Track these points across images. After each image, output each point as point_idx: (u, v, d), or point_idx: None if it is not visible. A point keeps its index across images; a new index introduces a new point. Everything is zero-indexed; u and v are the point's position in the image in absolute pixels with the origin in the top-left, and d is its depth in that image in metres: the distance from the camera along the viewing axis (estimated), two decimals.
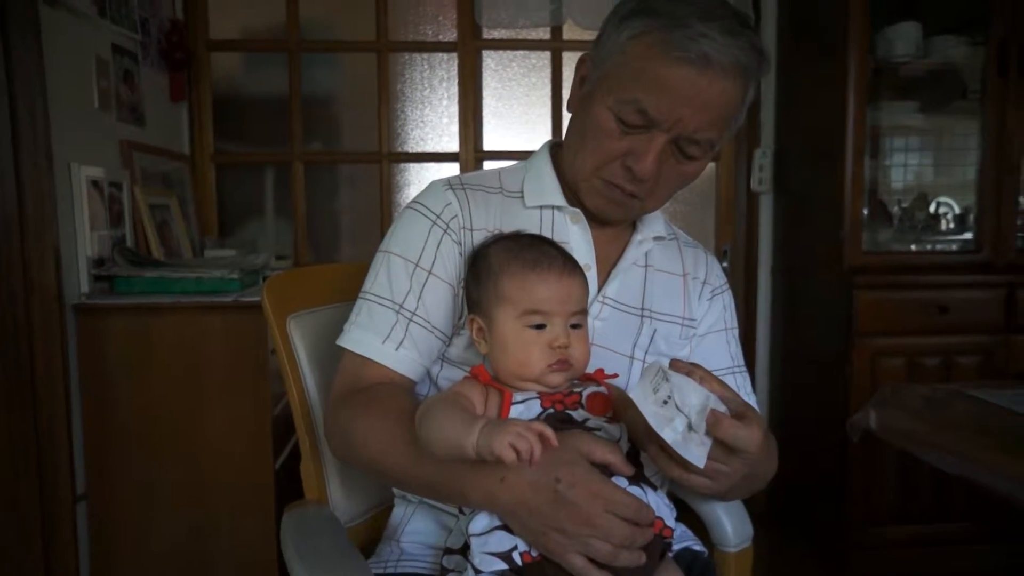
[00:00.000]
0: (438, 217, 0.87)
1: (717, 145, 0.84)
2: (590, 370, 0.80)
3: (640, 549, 0.68)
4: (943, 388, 1.22)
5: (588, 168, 0.85)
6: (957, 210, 2.28)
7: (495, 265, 0.79)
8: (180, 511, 1.58)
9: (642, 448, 0.73)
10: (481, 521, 0.71)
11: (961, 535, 2.05)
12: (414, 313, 0.85)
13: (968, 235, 2.17)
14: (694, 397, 0.64)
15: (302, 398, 0.97)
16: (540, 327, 0.75)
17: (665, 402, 0.63)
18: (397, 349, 0.84)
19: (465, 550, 0.72)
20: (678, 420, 0.62)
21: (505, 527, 0.70)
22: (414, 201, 0.90)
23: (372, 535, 0.98)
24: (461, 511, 0.76)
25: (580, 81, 0.88)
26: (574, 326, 0.77)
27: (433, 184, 0.92)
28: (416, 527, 0.89)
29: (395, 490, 0.93)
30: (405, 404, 0.80)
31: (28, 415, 1.46)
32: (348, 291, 0.93)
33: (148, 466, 1.57)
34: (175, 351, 1.56)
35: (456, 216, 0.87)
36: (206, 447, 1.58)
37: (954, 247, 2.18)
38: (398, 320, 0.85)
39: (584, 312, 0.80)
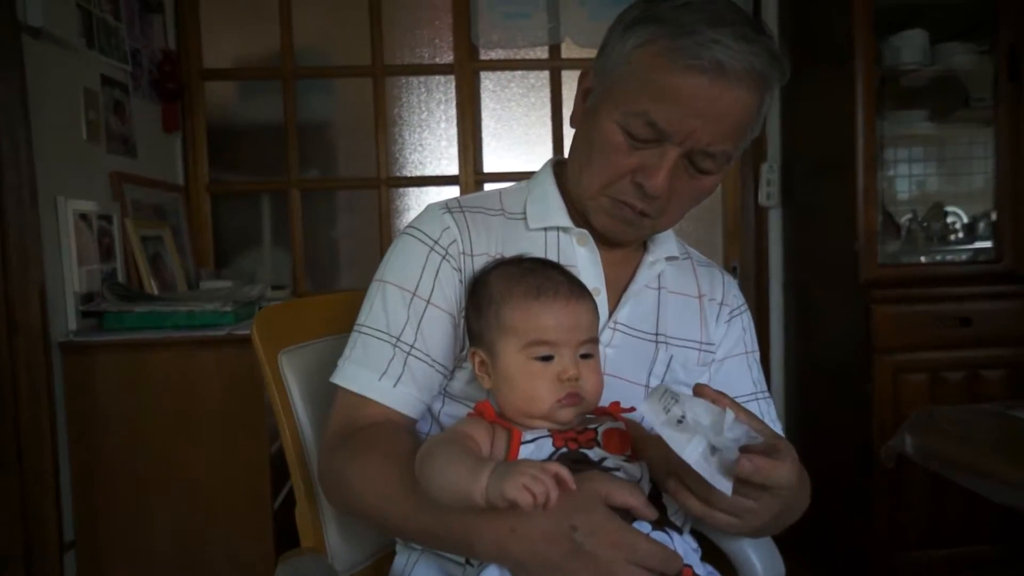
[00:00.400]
0: (436, 243, 0.82)
1: (733, 158, 0.79)
2: (604, 403, 0.74)
3: None
4: (981, 409, 1.14)
5: (595, 186, 0.80)
6: (965, 219, 2.23)
7: (496, 293, 0.73)
8: (175, 556, 1.52)
9: (660, 484, 0.67)
10: (490, 574, 0.65)
11: (992, 559, 1.96)
12: (412, 346, 0.79)
13: (980, 244, 2.11)
14: (706, 416, 0.58)
15: (296, 439, 0.92)
16: (547, 359, 0.70)
17: (680, 421, 0.57)
18: (395, 385, 0.78)
19: None
20: (697, 440, 0.56)
21: None
22: (410, 226, 0.85)
23: None
24: (468, 561, 0.70)
25: (584, 95, 0.84)
26: (584, 356, 0.72)
27: (430, 208, 0.87)
28: None
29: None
30: (405, 445, 0.74)
31: (12, 459, 1.40)
32: (343, 323, 0.88)
33: (140, 510, 1.50)
34: (167, 388, 1.50)
35: (455, 241, 0.82)
36: (201, 488, 1.51)
37: (964, 257, 2.12)
38: (395, 354, 0.79)
39: (595, 340, 0.74)
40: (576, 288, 0.74)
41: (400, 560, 0.85)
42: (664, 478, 0.65)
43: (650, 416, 0.58)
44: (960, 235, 2.20)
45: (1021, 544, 1.95)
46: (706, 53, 0.70)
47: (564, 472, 0.58)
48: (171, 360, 1.50)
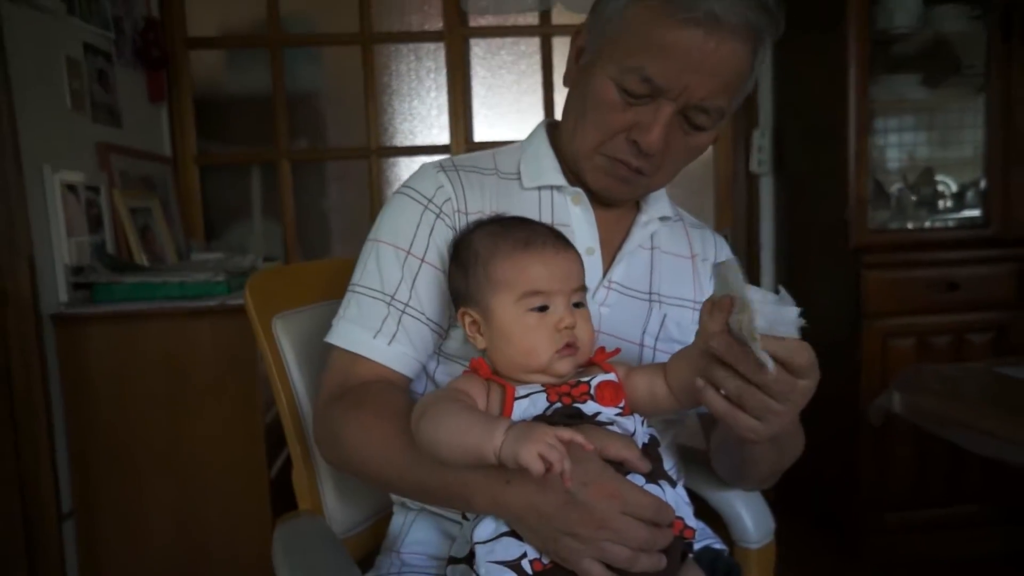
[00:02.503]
0: (430, 201, 0.82)
1: (727, 114, 0.79)
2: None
3: (660, 552, 0.63)
4: (967, 367, 1.16)
5: (590, 144, 0.80)
6: (954, 187, 2.23)
7: (482, 249, 0.72)
8: (173, 525, 1.53)
9: (686, 391, 0.66)
10: (487, 527, 0.66)
11: (977, 517, 2.01)
12: (407, 305, 0.79)
13: (969, 211, 2.12)
14: (763, 301, 0.60)
15: (291, 403, 0.92)
16: (543, 309, 0.70)
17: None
18: (390, 344, 0.79)
19: (470, 559, 0.67)
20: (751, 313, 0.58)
21: (513, 533, 0.64)
22: (404, 185, 0.85)
23: (370, 545, 0.94)
24: (465, 517, 0.71)
25: (577, 53, 0.83)
26: (577, 305, 0.72)
27: (424, 167, 0.86)
28: (417, 536, 0.84)
29: (394, 497, 0.88)
30: (400, 403, 0.74)
31: (7, 431, 1.40)
32: (337, 288, 0.88)
33: (137, 480, 1.51)
34: (160, 359, 1.50)
35: (449, 199, 0.82)
36: (197, 457, 1.52)
37: (953, 223, 2.13)
38: (390, 312, 0.79)
39: (584, 289, 0.74)
40: (561, 238, 0.74)
41: (397, 520, 0.87)
42: (689, 380, 0.64)
43: (731, 270, 0.60)
44: (949, 202, 2.20)
45: (1003, 503, 1.99)
46: (701, 5, 0.70)
47: (578, 436, 0.59)
48: (164, 331, 1.50)
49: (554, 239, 0.73)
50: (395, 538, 0.85)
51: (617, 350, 0.74)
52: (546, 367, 0.69)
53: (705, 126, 0.78)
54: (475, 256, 0.73)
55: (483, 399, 0.69)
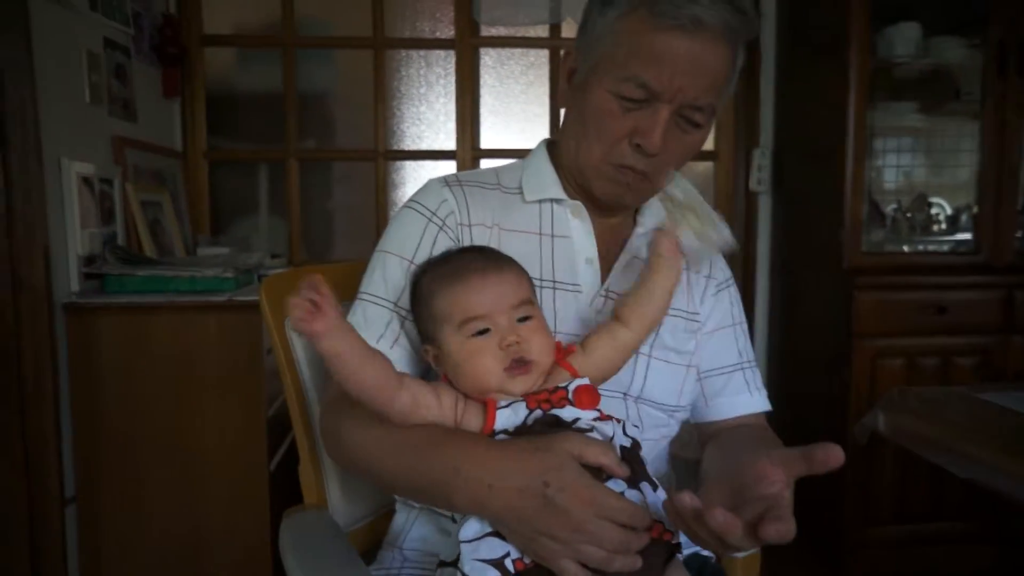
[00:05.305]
0: (433, 214, 0.86)
1: (717, 110, 0.84)
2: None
3: (637, 553, 0.65)
4: (950, 390, 1.21)
5: (597, 155, 0.84)
6: (949, 211, 2.29)
7: (424, 289, 0.77)
8: (173, 514, 1.56)
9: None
10: (472, 527, 0.68)
11: (958, 534, 2.05)
12: (409, 311, 0.83)
13: (961, 236, 2.17)
14: None
15: (300, 400, 0.95)
16: (484, 332, 0.71)
17: None
18: (392, 347, 0.82)
19: (458, 561, 0.69)
20: None
21: (497, 533, 0.67)
22: (411, 200, 0.90)
23: (373, 540, 0.96)
24: (454, 518, 0.74)
25: (568, 75, 0.88)
26: (523, 319, 0.73)
27: (430, 182, 0.91)
28: (419, 534, 0.87)
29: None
30: None
31: (15, 416, 1.43)
32: (347, 290, 0.91)
33: (140, 468, 1.54)
34: (168, 351, 1.53)
35: (453, 212, 0.86)
36: (199, 449, 1.55)
37: (945, 248, 2.17)
38: (392, 318, 0.83)
39: (529, 303, 0.74)
40: (493, 261, 0.76)
41: (400, 518, 0.90)
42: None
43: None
44: (943, 226, 2.25)
45: (984, 521, 2.04)
46: (685, 12, 0.75)
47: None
48: (172, 323, 1.53)
49: (482, 264, 0.75)
50: (397, 534, 0.89)
51: (572, 347, 0.76)
52: (499, 387, 0.71)
53: (700, 123, 0.82)
54: (420, 296, 0.77)
55: (450, 403, 0.72)
